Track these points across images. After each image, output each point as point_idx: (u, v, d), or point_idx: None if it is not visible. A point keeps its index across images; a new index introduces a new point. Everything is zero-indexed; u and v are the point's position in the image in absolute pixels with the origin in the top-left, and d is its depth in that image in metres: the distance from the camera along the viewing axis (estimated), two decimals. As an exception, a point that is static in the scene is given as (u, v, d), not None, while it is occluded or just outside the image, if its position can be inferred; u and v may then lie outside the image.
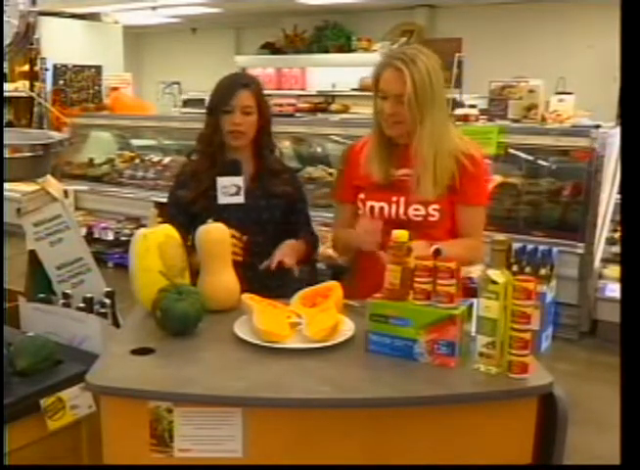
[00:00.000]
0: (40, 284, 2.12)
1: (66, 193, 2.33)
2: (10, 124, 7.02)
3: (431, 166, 1.89)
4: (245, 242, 2.07)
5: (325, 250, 4.73)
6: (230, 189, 2.09)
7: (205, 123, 2.22)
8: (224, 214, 2.02)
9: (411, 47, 1.96)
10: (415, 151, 1.91)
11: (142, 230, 1.77)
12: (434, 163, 1.89)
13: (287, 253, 2.12)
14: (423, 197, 1.92)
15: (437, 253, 1.69)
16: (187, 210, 2.15)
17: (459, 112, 5.13)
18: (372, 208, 2.00)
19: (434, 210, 1.93)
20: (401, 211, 1.96)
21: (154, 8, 7.61)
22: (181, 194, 2.19)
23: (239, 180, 2.10)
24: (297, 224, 2.30)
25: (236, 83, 2.16)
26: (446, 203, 1.93)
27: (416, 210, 1.94)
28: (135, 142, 6.79)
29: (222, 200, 2.09)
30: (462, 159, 1.92)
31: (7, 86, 6.94)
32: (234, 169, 2.15)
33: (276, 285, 2.16)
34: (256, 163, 2.24)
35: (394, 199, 1.96)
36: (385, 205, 1.98)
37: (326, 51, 8.45)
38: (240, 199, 2.10)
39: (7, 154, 2.03)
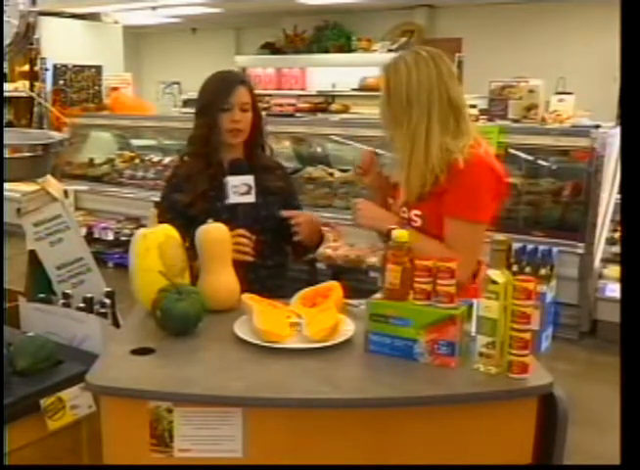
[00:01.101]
0: (40, 284, 2.12)
1: (66, 193, 2.32)
2: (10, 124, 7.03)
3: (404, 170, 1.85)
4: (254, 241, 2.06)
5: (325, 250, 4.74)
6: (240, 188, 2.07)
7: (197, 124, 2.17)
8: (224, 215, 2.02)
9: (412, 50, 1.90)
10: (395, 152, 1.90)
11: (142, 230, 1.77)
12: (407, 167, 1.84)
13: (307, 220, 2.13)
14: (404, 199, 1.92)
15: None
16: (184, 213, 2.11)
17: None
18: (387, 201, 2.06)
19: (416, 215, 1.88)
20: (397, 209, 1.99)
21: (154, 8, 7.61)
22: (177, 197, 2.15)
23: (249, 179, 2.08)
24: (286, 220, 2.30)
25: (233, 80, 2.15)
26: (431, 210, 1.84)
27: (403, 211, 1.94)
28: (135, 142, 6.80)
29: (234, 199, 2.06)
30: (442, 166, 1.79)
31: (7, 86, 6.94)
32: (241, 168, 2.14)
33: (276, 285, 2.16)
34: (248, 160, 2.21)
35: (397, 198, 2.00)
36: (392, 201, 2.04)
37: (326, 51, 8.45)
38: (251, 198, 2.08)
39: (7, 154, 2.03)
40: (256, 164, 2.21)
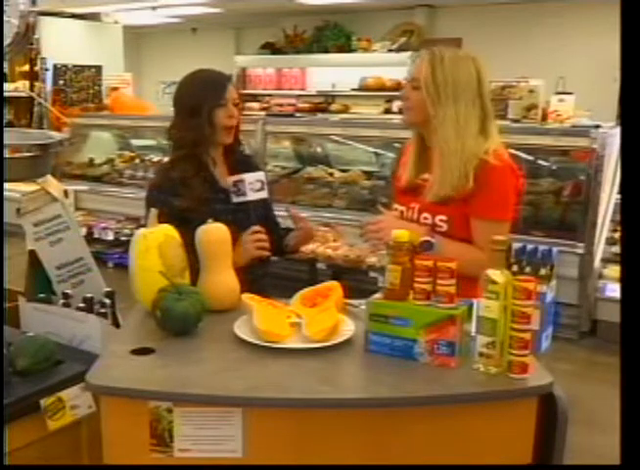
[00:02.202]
0: (40, 284, 2.12)
1: (66, 193, 2.32)
2: (10, 124, 7.03)
3: (440, 163, 1.86)
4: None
5: (325, 250, 4.74)
6: (255, 185, 2.08)
7: (187, 125, 2.07)
8: (222, 217, 1.98)
9: (459, 50, 1.95)
10: (429, 143, 1.91)
11: (142, 230, 1.77)
12: (443, 160, 1.85)
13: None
14: (431, 199, 1.88)
15: (426, 245, 1.63)
16: (181, 217, 1.99)
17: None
18: (396, 210, 2.03)
19: (441, 220, 1.87)
20: (415, 217, 1.94)
21: (154, 8, 7.60)
22: (175, 202, 2.05)
23: (262, 175, 2.10)
24: (272, 218, 2.30)
25: (224, 78, 2.14)
26: (457, 214, 1.85)
27: (425, 218, 1.91)
28: (135, 142, 6.80)
29: (251, 196, 2.07)
30: (476, 166, 1.82)
31: (7, 86, 6.94)
32: (250, 165, 2.17)
33: (269, 284, 2.17)
34: (228, 159, 2.20)
35: (412, 205, 1.96)
36: (404, 208, 1.99)
37: (326, 51, 8.44)
38: (264, 193, 2.09)
39: (7, 154, 2.03)
40: (237, 161, 2.21)
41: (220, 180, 2.15)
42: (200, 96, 2.08)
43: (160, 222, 1.81)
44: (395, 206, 2.03)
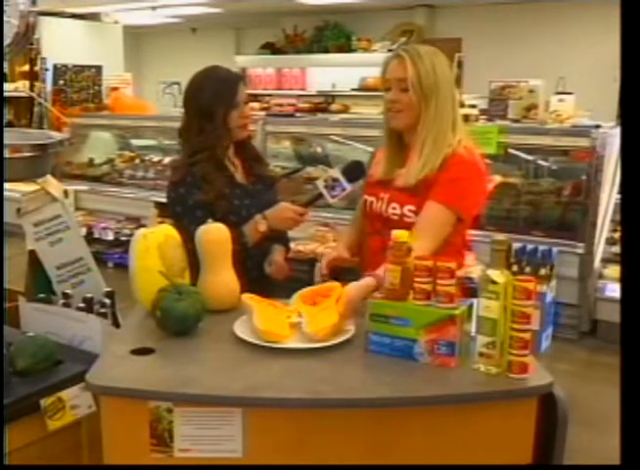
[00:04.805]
0: (40, 284, 2.12)
1: (66, 193, 2.32)
2: (10, 124, 7.02)
3: (419, 153, 1.89)
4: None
5: (325, 250, 4.74)
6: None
7: (201, 128, 2.08)
8: (243, 213, 2.08)
9: (420, 45, 1.98)
10: (419, 133, 1.92)
11: (142, 230, 1.77)
12: (430, 146, 1.88)
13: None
14: (402, 185, 1.91)
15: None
16: (210, 210, 2.02)
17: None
18: (365, 201, 2.05)
19: (410, 210, 1.89)
20: (383, 207, 1.96)
21: (154, 8, 7.61)
22: (199, 196, 2.07)
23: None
24: None
25: (235, 77, 2.16)
26: (423, 204, 1.87)
27: (393, 208, 1.93)
28: (135, 142, 6.79)
29: (348, 187, 2.06)
30: (446, 155, 1.87)
31: (7, 86, 6.94)
32: (262, 159, 2.25)
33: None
34: (240, 154, 2.22)
35: (382, 195, 1.98)
36: (374, 199, 2.01)
37: (326, 51, 8.45)
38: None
39: (7, 154, 2.03)
40: (251, 154, 2.25)
41: (236, 175, 2.18)
42: (213, 100, 2.08)
43: (198, 217, 1.87)
44: (365, 197, 2.05)
